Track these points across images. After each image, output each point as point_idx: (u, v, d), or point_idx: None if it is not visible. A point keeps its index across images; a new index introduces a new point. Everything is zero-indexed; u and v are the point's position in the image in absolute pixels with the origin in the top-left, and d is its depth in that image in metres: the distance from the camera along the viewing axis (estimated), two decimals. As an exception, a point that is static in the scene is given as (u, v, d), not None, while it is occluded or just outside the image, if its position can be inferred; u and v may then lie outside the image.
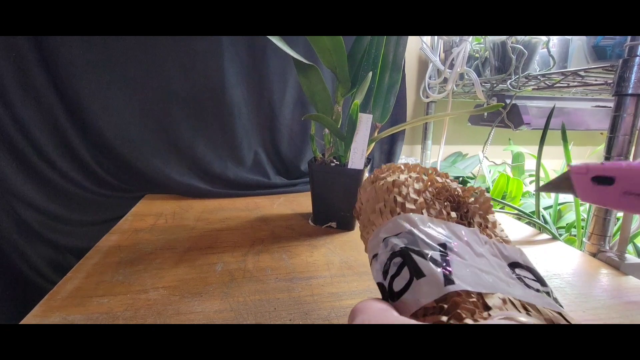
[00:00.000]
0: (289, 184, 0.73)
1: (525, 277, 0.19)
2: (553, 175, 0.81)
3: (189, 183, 0.67)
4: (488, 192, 0.75)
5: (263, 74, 0.68)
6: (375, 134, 0.54)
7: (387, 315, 0.15)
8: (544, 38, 0.62)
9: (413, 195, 0.22)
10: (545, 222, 0.57)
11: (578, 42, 0.57)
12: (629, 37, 0.40)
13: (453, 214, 0.22)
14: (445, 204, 0.23)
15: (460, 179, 0.84)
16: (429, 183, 0.24)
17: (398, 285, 0.17)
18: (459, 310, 0.15)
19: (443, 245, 0.18)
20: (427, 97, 0.85)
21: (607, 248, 0.44)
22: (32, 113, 0.59)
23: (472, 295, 0.16)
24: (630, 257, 0.42)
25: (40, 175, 0.62)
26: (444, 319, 0.15)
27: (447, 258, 0.18)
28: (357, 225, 0.52)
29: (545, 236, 0.52)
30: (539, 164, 0.57)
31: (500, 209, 0.67)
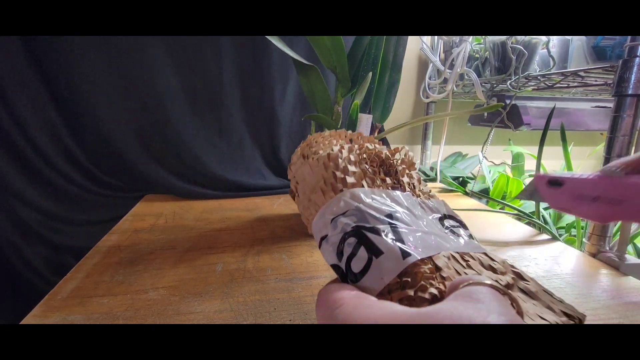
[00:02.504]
0: (289, 184, 0.73)
1: (453, 226, 0.20)
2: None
3: (188, 184, 0.67)
4: (488, 192, 0.75)
5: (262, 73, 0.67)
6: (375, 134, 0.54)
7: (365, 302, 0.14)
8: (544, 38, 0.62)
9: (351, 168, 0.22)
10: (545, 222, 0.57)
11: (578, 43, 0.57)
12: (629, 38, 0.40)
13: (388, 180, 0.22)
14: (379, 169, 0.23)
15: (460, 179, 0.84)
16: (361, 151, 0.24)
17: (357, 266, 0.17)
18: (422, 282, 0.15)
19: (389, 216, 0.18)
20: (427, 98, 0.85)
21: (607, 248, 0.44)
22: (30, 113, 0.59)
23: (426, 261, 0.16)
24: (630, 258, 0.42)
25: (39, 175, 0.62)
26: (411, 292, 0.15)
27: (398, 229, 0.18)
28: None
29: (545, 236, 0.52)
30: (539, 165, 0.57)
31: (500, 209, 0.67)
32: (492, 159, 0.89)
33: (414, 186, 0.23)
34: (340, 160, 0.22)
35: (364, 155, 0.23)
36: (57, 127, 0.62)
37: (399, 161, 0.24)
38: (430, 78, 0.85)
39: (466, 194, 0.72)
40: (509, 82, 0.61)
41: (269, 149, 0.74)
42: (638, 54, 0.38)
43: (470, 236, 0.20)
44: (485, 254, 0.18)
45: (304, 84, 0.48)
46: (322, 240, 0.20)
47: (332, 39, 0.43)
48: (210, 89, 0.65)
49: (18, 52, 0.56)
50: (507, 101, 0.67)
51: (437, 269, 0.16)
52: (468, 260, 0.17)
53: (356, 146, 0.24)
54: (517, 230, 0.54)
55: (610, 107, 0.42)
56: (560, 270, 0.41)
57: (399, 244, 0.17)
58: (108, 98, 0.62)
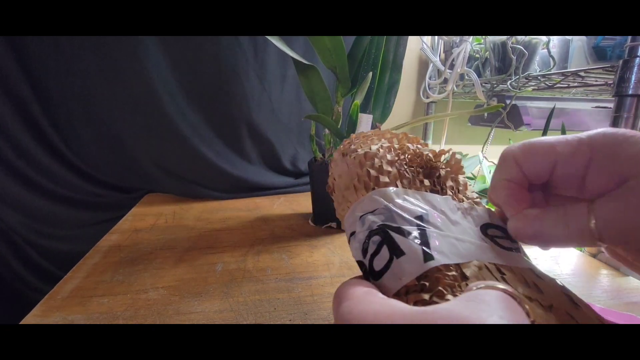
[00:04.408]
0: (289, 184, 0.73)
1: (496, 236, 0.19)
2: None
3: (188, 183, 0.66)
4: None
5: (260, 72, 0.67)
6: (376, 134, 0.54)
7: (371, 299, 0.15)
8: (544, 38, 0.62)
9: (386, 167, 0.22)
10: (545, 222, 0.57)
11: (578, 43, 0.57)
12: (629, 38, 0.40)
13: (426, 182, 0.21)
14: (418, 170, 0.22)
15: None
16: (401, 151, 0.23)
17: (378, 264, 0.17)
18: (440, 288, 0.15)
19: (420, 218, 0.18)
20: (427, 98, 0.85)
21: (607, 248, 0.44)
22: (16, 114, 0.58)
23: (451, 267, 0.16)
24: (630, 258, 0.42)
25: (33, 180, 0.61)
26: (426, 296, 0.15)
27: (425, 232, 0.17)
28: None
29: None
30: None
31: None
32: (492, 159, 0.89)
33: (457, 191, 0.22)
34: (376, 159, 0.22)
35: (404, 156, 0.23)
36: (46, 129, 0.60)
37: (443, 164, 0.23)
38: (430, 78, 0.85)
39: (466, 194, 0.72)
40: (509, 82, 0.61)
41: (268, 149, 0.73)
42: (638, 54, 0.38)
43: (518, 250, 0.19)
44: (532, 271, 0.17)
45: (304, 84, 0.48)
46: (351, 236, 0.20)
47: (332, 39, 0.43)
48: (208, 88, 0.64)
49: (11, 49, 0.54)
50: (508, 101, 0.67)
51: (464, 277, 0.15)
52: (504, 274, 0.16)
53: (396, 146, 0.24)
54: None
55: (610, 107, 0.42)
56: (560, 270, 0.41)
57: (423, 247, 0.16)
58: (105, 97, 0.60)
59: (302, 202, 0.65)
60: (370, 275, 0.18)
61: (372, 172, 0.21)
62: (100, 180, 0.66)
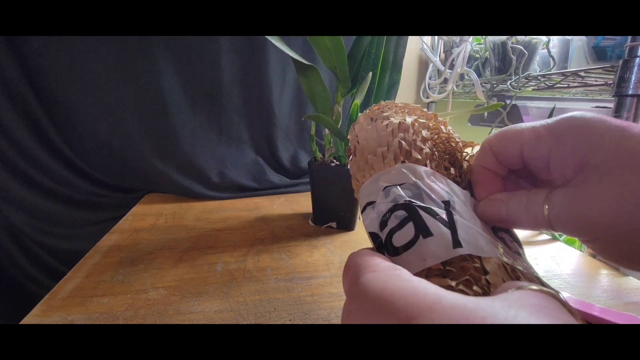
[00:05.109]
0: (289, 184, 0.73)
1: (506, 239, 0.19)
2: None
3: (188, 183, 0.66)
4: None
5: (260, 74, 0.67)
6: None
7: (402, 275, 0.13)
8: (544, 38, 0.62)
9: (420, 144, 0.20)
10: (545, 222, 0.57)
11: (578, 43, 0.57)
12: (629, 38, 0.40)
13: (452, 170, 0.21)
14: (445, 156, 0.22)
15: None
16: (435, 131, 0.22)
17: (399, 240, 0.16)
18: (468, 277, 0.14)
19: (447, 203, 0.18)
20: (428, 98, 0.85)
21: (607, 248, 0.44)
22: (18, 114, 0.58)
23: (476, 259, 0.15)
24: (630, 258, 0.42)
25: (34, 179, 0.61)
26: (452, 283, 0.14)
27: (453, 217, 0.17)
28: (358, 224, 0.52)
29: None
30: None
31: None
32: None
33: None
34: (410, 133, 0.21)
35: (435, 137, 0.22)
36: (48, 128, 0.60)
37: (468, 156, 0.23)
38: (430, 78, 0.85)
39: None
40: (509, 82, 0.61)
41: (268, 149, 0.74)
42: (638, 54, 0.38)
43: (524, 255, 0.19)
44: (539, 279, 0.17)
45: (304, 84, 0.48)
46: (368, 205, 0.19)
47: (332, 39, 0.42)
48: (209, 90, 0.64)
49: (2, 52, 0.54)
50: (507, 101, 0.67)
51: (485, 272, 0.15)
52: (520, 278, 0.16)
53: (430, 124, 0.23)
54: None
55: (610, 108, 0.42)
56: (560, 270, 0.41)
57: (452, 232, 0.16)
58: (106, 98, 0.60)
59: (302, 202, 0.65)
60: (385, 249, 0.17)
61: (404, 144, 0.20)
62: (100, 180, 0.66)
